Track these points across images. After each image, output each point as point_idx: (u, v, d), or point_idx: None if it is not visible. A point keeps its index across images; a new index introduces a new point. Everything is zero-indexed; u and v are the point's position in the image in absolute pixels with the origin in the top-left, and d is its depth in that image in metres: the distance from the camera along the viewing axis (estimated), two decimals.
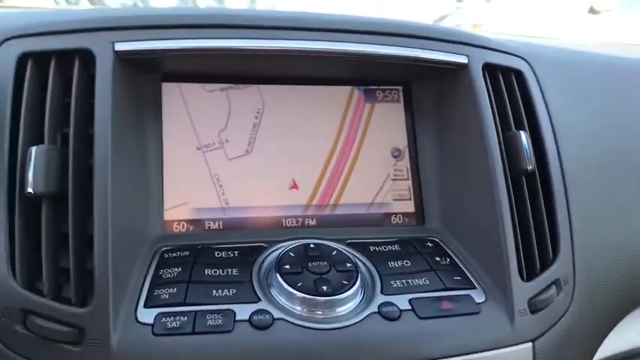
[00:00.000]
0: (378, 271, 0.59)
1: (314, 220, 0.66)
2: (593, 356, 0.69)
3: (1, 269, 0.50)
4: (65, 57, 0.56)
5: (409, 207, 0.69)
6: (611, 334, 0.70)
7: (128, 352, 0.48)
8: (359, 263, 0.59)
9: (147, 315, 0.51)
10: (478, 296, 0.58)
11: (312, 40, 0.62)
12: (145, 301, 0.52)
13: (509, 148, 0.63)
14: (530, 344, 0.57)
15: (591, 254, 0.66)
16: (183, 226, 0.63)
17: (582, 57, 0.81)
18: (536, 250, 0.61)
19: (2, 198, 0.52)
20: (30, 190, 0.50)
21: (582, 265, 0.65)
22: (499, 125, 0.63)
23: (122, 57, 0.57)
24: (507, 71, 0.68)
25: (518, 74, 0.69)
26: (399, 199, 0.69)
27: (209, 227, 0.64)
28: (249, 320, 0.51)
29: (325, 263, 0.57)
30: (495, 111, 0.64)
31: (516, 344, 0.57)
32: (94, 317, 0.49)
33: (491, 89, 0.65)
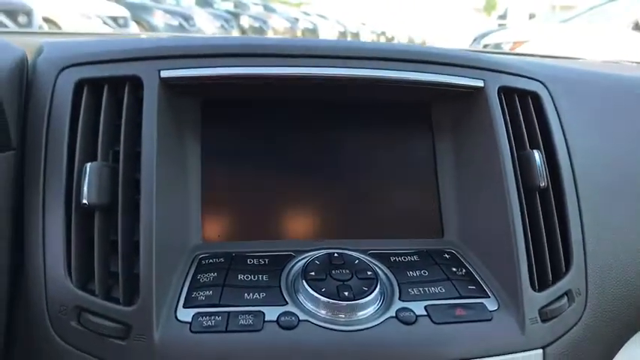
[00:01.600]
0: (397, 279, 0.63)
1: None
2: None
3: (59, 271, 0.57)
4: (116, 83, 0.63)
5: (429, 220, 0.74)
6: (627, 344, 0.73)
7: (168, 346, 0.54)
8: (379, 272, 0.63)
9: (185, 314, 0.56)
10: (491, 304, 0.62)
11: (342, 67, 0.67)
12: (184, 301, 0.58)
13: (523, 166, 0.67)
14: (540, 351, 0.61)
15: (604, 267, 0.69)
16: (219, 235, 0.69)
17: (598, 77, 0.84)
18: (549, 262, 0.65)
19: (60, 209, 0.58)
20: (85, 201, 0.57)
21: (595, 278, 0.68)
22: (514, 144, 0.67)
23: (167, 83, 0.63)
24: (523, 94, 0.72)
25: (535, 96, 0.73)
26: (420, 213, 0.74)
27: (242, 237, 0.70)
28: (277, 321, 0.56)
29: (347, 271, 0.62)
30: (510, 131, 0.68)
31: (527, 350, 0.60)
32: (139, 315, 0.55)
33: (506, 111, 0.69)
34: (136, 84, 0.63)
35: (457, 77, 0.70)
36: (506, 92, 0.71)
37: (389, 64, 0.68)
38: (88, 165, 0.58)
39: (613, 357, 0.72)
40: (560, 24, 5.20)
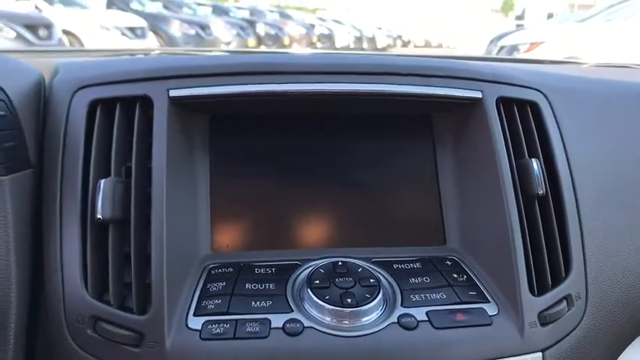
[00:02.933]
0: (399, 286, 0.65)
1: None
2: None
3: (76, 283, 0.60)
4: (128, 102, 0.66)
5: (431, 228, 0.76)
6: (628, 349, 0.74)
7: (179, 353, 0.57)
8: (382, 279, 0.66)
9: (196, 322, 0.59)
10: (491, 309, 0.64)
11: (344, 83, 0.70)
12: (195, 310, 0.61)
13: (522, 174, 0.69)
14: (540, 354, 0.63)
15: (604, 272, 0.70)
16: (228, 246, 0.72)
17: (599, 85, 0.85)
18: (548, 268, 0.66)
19: (76, 224, 0.62)
20: (99, 216, 0.60)
21: (595, 282, 0.69)
22: (512, 153, 0.69)
23: (176, 102, 0.66)
24: (522, 103, 0.74)
25: (533, 105, 0.75)
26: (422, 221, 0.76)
27: (250, 247, 0.72)
28: (283, 328, 0.59)
29: (351, 279, 0.64)
30: (509, 140, 0.70)
31: (526, 353, 0.62)
32: (152, 323, 0.58)
33: (505, 120, 0.71)
34: (146, 103, 0.66)
35: (456, 89, 0.72)
36: (504, 102, 0.72)
37: (389, 78, 0.71)
38: (102, 181, 0.61)
39: (616, 358, 0.73)
40: (578, 23, 5.17)
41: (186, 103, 0.68)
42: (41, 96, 0.68)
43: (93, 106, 0.66)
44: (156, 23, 8.26)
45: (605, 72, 1.18)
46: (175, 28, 8.55)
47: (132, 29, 7.24)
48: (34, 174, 0.64)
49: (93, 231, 0.61)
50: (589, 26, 4.87)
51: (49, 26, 5.75)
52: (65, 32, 6.21)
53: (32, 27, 5.53)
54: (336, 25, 13.77)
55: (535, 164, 0.69)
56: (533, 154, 0.71)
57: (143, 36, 7.41)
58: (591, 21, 5.02)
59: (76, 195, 0.63)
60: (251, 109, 0.73)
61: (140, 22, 7.50)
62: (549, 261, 0.67)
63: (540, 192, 0.68)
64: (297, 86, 0.68)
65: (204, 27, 9.07)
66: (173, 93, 0.66)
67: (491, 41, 5.18)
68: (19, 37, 5.34)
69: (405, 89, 0.70)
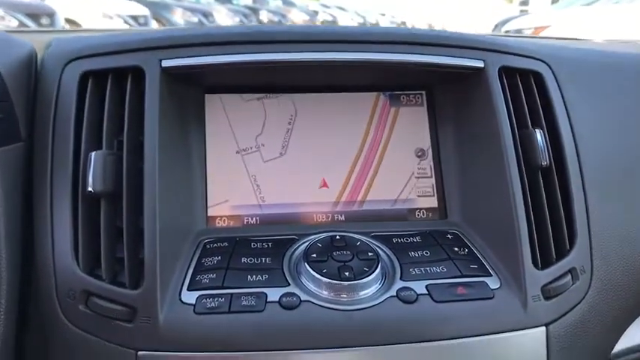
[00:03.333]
0: (398, 260, 0.64)
1: (342, 216, 0.72)
2: (613, 345, 0.71)
3: (67, 257, 0.59)
4: (120, 74, 0.65)
5: (432, 202, 0.74)
6: (634, 324, 0.72)
7: (173, 328, 0.56)
8: (381, 253, 0.64)
9: (189, 297, 0.58)
10: (493, 283, 0.62)
11: (340, 52, 0.68)
12: (189, 284, 0.59)
13: (525, 145, 0.67)
14: (543, 328, 0.61)
15: (609, 245, 0.68)
16: (224, 221, 0.70)
17: (603, 56, 0.83)
18: (552, 240, 0.65)
19: (67, 197, 0.60)
20: (90, 189, 0.59)
21: (600, 256, 0.68)
22: (515, 124, 0.67)
23: (168, 72, 0.65)
24: (525, 73, 0.72)
25: (537, 75, 0.73)
26: (422, 196, 0.74)
27: (247, 222, 0.71)
28: (279, 301, 0.57)
29: (349, 252, 0.62)
30: (512, 111, 0.68)
31: (529, 328, 0.60)
32: (145, 298, 0.56)
33: (507, 91, 0.69)
34: (138, 74, 0.64)
35: (458, 58, 0.70)
36: (507, 72, 0.70)
37: (389, 47, 0.69)
38: (93, 154, 0.60)
39: (621, 335, 0.71)
40: (584, 7, 5.10)
41: (179, 74, 0.66)
42: (32, 69, 0.66)
43: (84, 78, 0.64)
44: (158, 11, 8.21)
45: (612, 45, 1.15)
46: (178, 16, 8.50)
47: (134, 17, 7.20)
48: (24, 147, 0.63)
49: (84, 204, 0.60)
50: (595, 9, 4.82)
51: (51, 14, 5.72)
52: (67, 21, 6.18)
53: (34, 15, 5.50)
54: (339, 11, 13.67)
55: (539, 135, 0.67)
56: (536, 125, 0.69)
57: (146, 24, 7.37)
58: (598, 4, 4.96)
59: (67, 168, 0.61)
60: (245, 79, 0.72)
61: (143, 11, 7.46)
62: (553, 234, 0.65)
63: (544, 163, 0.66)
64: (293, 55, 0.67)
65: (207, 15, 9.01)
66: (165, 63, 0.64)
67: (496, 26, 5.13)
68: (22, 25, 5.32)
69: (405, 58, 0.68)
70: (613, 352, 0.72)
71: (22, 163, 0.62)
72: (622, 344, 0.73)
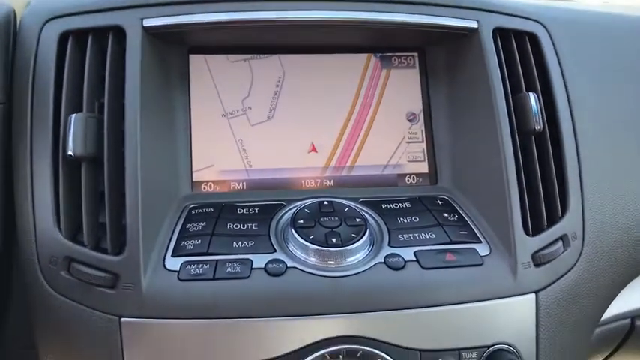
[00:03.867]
0: (387, 226, 0.63)
1: (331, 181, 0.71)
2: (602, 312, 0.71)
3: (48, 223, 0.57)
4: (100, 34, 0.62)
5: (423, 168, 0.73)
6: (624, 291, 0.72)
7: (156, 294, 0.55)
8: (369, 219, 0.63)
9: (173, 263, 0.57)
10: (482, 249, 0.61)
11: (330, 10, 0.65)
12: (173, 250, 0.58)
13: (518, 109, 0.65)
14: (533, 295, 0.60)
15: (602, 213, 0.67)
16: (210, 186, 0.69)
17: (600, 18, 0.81)
18: (544, 207, 0.63)
19: (48, 160, 0.58)
20: (70, 152, 0.57)
21: (592, 223, 0.67)
22: (509, 87, 0.65)
23: (150, 32, 0.62)
24: (520, 35, 0.70)
25: (532, 37, 0.70)
26: (413, 161, 0.73)
27: (234, 187, 0.69)
28: (265, 268, 0.56)
29: (337, 218, 0.61)
30: (506, 74, 0.66)
31: (519, 294, 0.60)
32: (127, 264, 0.55)
33: (502, 53, 0.67)
34: (119, 34, 0.62)
35: (450, 19, 0.67)
36: (502, 34, 0.68)
37: (379, 5, 0.66)
38: (73, 116, 0.58)
39: (609, 302, 0.71)
40: None
41: (162, 34, 0.64)
42: (10, 30, 0.63)
43: (64, 38, 0.62)
44: None
45: (609, 7, 1.12)
46: None
47: None
48: (3, 110, 0.60)
49: (65, 169, 0.58)
50: None
51: None
52: None
53: None
54: None
55: (532, 99, 0.65)
56: (530, 89, 0.67)
57: None
58: None
59: (46, 131, 0.59)
60: (231, 39, 0.69)
61: None
62: (545, 200, 0.64)
63: (537, 128, 0.65)
64: (281, 14, 0.64)
65: None
66: (147, 22, 0.62)
67: None
68: None
69: (396, 17, 0.66)
70: (602, 319, 0.72)
71: (1, 125, 0.60)
72: (610, 312, 0.73)
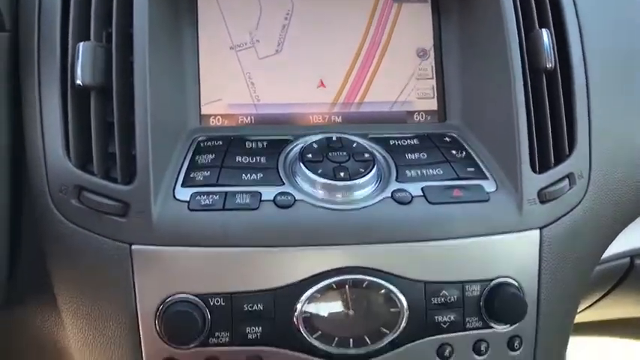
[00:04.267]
0: (394, 161, 0.63)
1: (339, 117, 0.71)
2: (603, 251, 0.72)
3: (57, 152, 0.57)
4: None
5: (432, 105, 0.72)
6: (627, 230, 0.73)
7: (166, 223, 0.55)
8: (377, 154, 0.63)
9: (183, 193, 0.57)
10: (489, 186, 0.62)
11: None
12: (182, 181, 0.59)
13: (530, 46, 0.64)
14: (537, 231, 0.61)
15: (609, 152, 0.67)
16: (218, 119, 0.69)
17: None
18: (551, 144, 0.63)
19: (56, 89, 0.58)
20: (79, 81, 0.56)
21: (599, 162, 0.67)
22: (522, 24, 0.64)
23: None
24: None
25: None
26: (422, 98, 0.72)
27: (242, 121, 0.69)
28: (274, 200, 0.57)
29: (345, 153, 0.61)
30: (519, 10, 0.64)
31: (523, 230, 0.61)
32: (137, 193, 0.56)
33: None
34: None
35: None
36: None
37: None
38: (81, 44, 0.57)
39: (612, 240, 0.72)
40: None
41: None
42: None
43: None
44: None
45: None
46: None
47: None
48: (9, 38, 0.59)
49: (73, 98, 0.58)
50: None
51: None
52: None
53: None
54: None
55: (545, 36, 0.64)
56: (543, 25, 0.66)
57: None
58: None
59: (54, 60, 0.58)
60: None
61: None
62: (553, 138, 0.64)
63: (549, 65, 0.64)
64: None
65: None
66: None
67: None
68: None
69: None
70: (602, 257, 0.73)
71: (7, 55, 0.59)
72: (610, 251, 0.74)
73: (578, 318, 0.73)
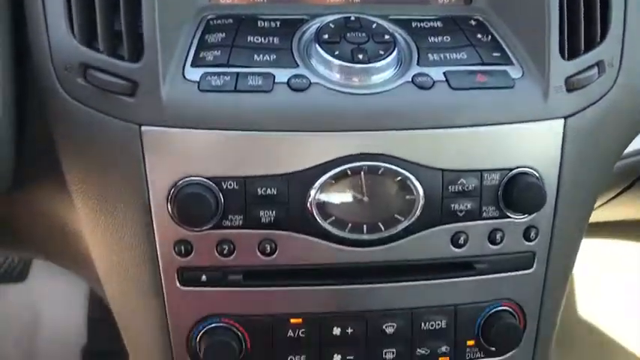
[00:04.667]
0: (416, 44, 0.59)
1: None
2: (626, 145, 0.70)
3: (61, 28, 0.54)
4: None
5: None
6: None
7: (176, 103, 0.53)
8: (398, 36, 0.59)
9: (193, 73, 0.55)
10: (515, 72, 0.58)
11: None
12: (192, 61, 0.56)
13: None
14: (562, 121, 0.59)
15: None
16: None
17: None
18: (583, 30, 0.60)
19: None
20: None
21: (631, 52, 0.63)
22: None
23: None
24: None
25: None
26: None
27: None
28: (287, 83, 0.54)
29: (364, 34, 0.58)
30: None
31: (548, 119, 0.58)
32: (146, 71, 0.53)
33: None
34: None
35: None
36: None
37: None
38: None
39: (635, 135, 0.69)
40: None
41: None
42: None
43: None
44: None
45: None
46: None
47: None
48: None
49: None
50: None
51: None
52: None
53: None
54: None
55: None
56: None
57: None
58: None
59: None
60: None
61: None
62: (585, 23, 0.60)
63: None
64: None
65: None
66: None
67: None
68: None
69: None
70: (624, 152, 0.71)
71: None
72: (633, 146, 0.72)
73: (592, 217, 0.72)
